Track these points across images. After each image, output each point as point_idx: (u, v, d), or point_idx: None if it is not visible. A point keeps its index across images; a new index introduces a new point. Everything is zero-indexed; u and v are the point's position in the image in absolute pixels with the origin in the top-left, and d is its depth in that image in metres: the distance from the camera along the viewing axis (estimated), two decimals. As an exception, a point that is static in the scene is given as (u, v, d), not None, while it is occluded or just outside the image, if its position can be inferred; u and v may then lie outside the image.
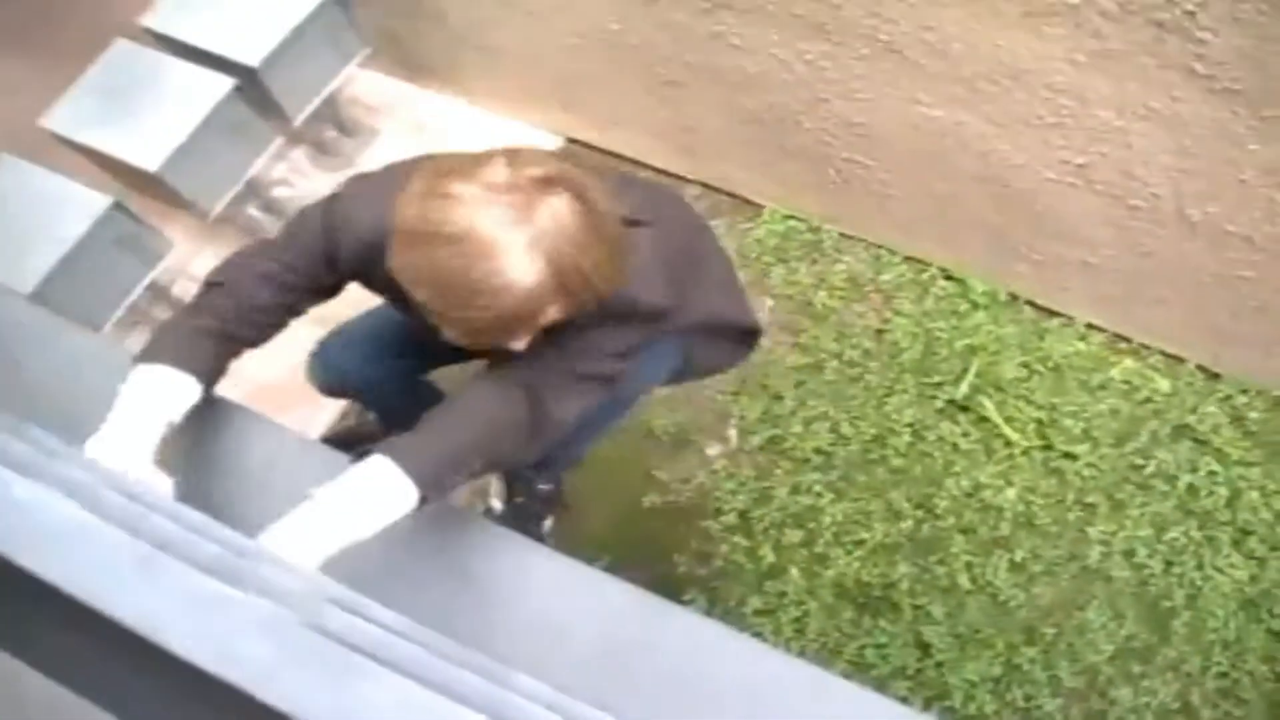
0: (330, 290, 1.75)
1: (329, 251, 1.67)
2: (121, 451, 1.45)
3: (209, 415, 1.66)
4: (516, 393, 1.62)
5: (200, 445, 1.66)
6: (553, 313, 1.46)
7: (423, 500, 1.48)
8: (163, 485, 1.49)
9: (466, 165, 1.40)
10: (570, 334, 1.56)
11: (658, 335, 1.79)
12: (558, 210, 1.38)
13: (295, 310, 1.73)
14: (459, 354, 1.84)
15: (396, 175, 1.55)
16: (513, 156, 1.41)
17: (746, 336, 2.22)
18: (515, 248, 1.35)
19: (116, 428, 1.48)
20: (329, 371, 2.27)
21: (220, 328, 1.62)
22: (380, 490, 1.46)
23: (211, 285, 1.68)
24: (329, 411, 2.97)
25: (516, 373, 1.62)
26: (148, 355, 1.57)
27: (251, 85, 2.95)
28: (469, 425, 1.60)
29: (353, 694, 0.72)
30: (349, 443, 2.48)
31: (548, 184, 1.38)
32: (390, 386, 2.30)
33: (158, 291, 3.11)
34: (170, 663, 0.75)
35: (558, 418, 1.67)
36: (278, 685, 0.72)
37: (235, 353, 1.66)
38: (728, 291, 2.17)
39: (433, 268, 1.38)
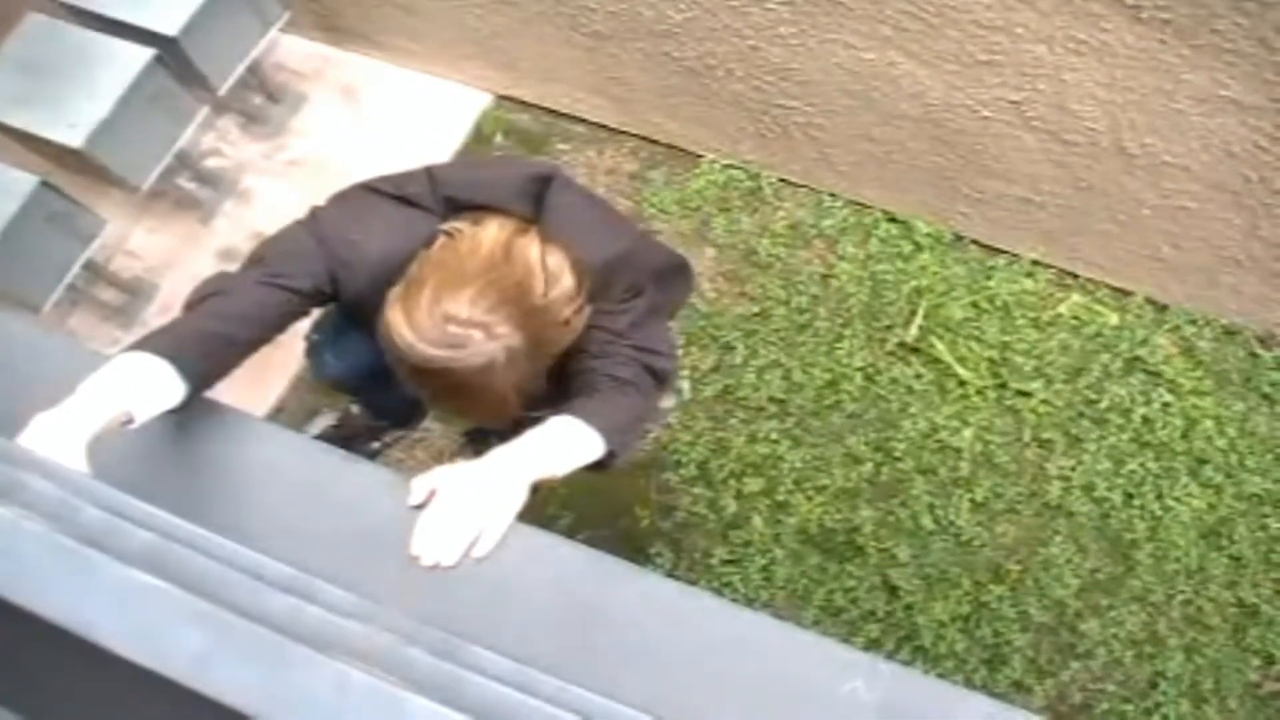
0: (325, 301, 1.73)
1: (331, 270, 1.66)
2: (54, 434, 1.36)
3: (207, 419, 1.57)
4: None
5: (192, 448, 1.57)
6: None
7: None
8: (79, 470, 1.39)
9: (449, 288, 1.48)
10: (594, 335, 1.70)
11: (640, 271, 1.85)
12: (510, 342, 1.49)
13: (298, 314, 1.68)
14: None
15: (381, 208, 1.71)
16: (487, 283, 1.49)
17: (682, 270, 2.17)
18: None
19: (61, 410, 1.38)
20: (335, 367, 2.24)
21: (221, 329, 1.54)
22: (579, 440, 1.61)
23: (207, 296, 1.59)
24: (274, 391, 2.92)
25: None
26: (132, 346, 1.47)
27: (172, 55, 2.88)
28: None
29: (288, 681, 0.68)
30: (339, 441, 2.42)
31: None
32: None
33: (95, 270, 3.04)
34: (97, 654, 0.71)
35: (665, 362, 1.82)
36: (210, 675, 0.68)
37: (230, 358, 1.56)
38: (643, 236, 2.15)
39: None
